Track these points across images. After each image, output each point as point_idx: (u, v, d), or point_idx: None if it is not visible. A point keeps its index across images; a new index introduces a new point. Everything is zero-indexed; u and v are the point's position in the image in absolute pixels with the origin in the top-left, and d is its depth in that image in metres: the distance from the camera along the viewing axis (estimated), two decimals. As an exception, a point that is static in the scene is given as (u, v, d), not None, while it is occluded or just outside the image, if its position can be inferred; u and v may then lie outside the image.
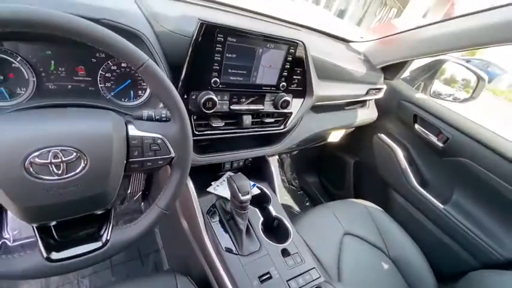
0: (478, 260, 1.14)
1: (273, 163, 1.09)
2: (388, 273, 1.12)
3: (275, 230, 0.95)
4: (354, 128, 1.52)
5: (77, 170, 0.44)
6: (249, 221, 0.89)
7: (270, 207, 0.96)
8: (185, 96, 0.72)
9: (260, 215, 0.92)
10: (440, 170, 1.31)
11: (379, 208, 1.35)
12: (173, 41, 0.69)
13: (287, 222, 0.94)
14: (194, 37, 0.66)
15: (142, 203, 1.46)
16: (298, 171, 2.00)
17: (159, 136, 0.53)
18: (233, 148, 0.93)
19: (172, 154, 0.55)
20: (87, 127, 0.46)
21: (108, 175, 0.46)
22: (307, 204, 1.92)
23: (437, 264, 1.19)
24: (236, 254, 0.78)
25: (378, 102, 1.47)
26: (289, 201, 1.87)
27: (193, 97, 0.74)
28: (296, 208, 1.85)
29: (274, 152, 1.02)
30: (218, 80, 0.74)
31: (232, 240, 0.82)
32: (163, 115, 0.59)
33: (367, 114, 1.38)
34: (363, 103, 1.39)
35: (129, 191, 1.39)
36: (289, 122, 0.97)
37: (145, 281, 0.80)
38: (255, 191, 0.99)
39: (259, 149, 0.98)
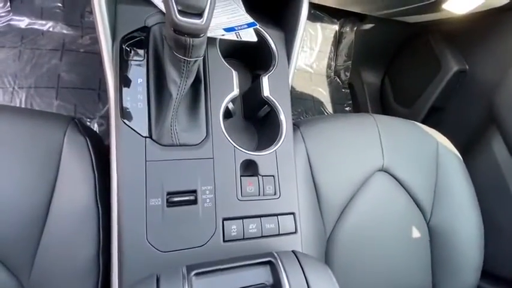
0: None
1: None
2: (412, 246, 0.71)
3: (257, 124, 0.51)
4: (507, 2, 0.75)
5: None
6: (205, 86, 0.43)
7: (264, 79, 0.47)
8: None
9: (236, 85, 0.46)
10: None
11: (456, 152, 0.80)
12: None
13: (283, 114, 0.47)
14: None
15: None
16: (356, 58, 1.33)
17: None
18: None
19: None
20: None
21: None
22: (346, 109, 1.39)
23: (502, 266, 0.76)
24: (144, 137, 0.38)
25: None
26: (323, 96, 1.34)
27: None
28: (328, 108, 1.34)
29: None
30: None
31: (149, 106, 0.39)
32: None
33: None
34: None
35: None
36: None
37: (38, 115, 0.48)
38: (247, 34, 0.47)
39: None
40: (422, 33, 1.09)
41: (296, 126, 0.62)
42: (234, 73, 0.45)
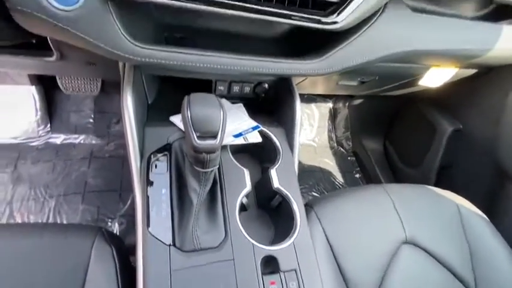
0: None
1: (299, 98, 0.60)
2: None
3: (271, 215, 0.54)
4: (475, 71, 0.85)
5: None
6: (221, 187, 0.48)
7: (273, 172, 0.52)
8: None
9: (248, 181, 0.50)
10: None
11: (480, 212, 0.77)
12: None
13: (296, 204, 0.50)
14: None
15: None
16: (354, 129, 1.43)
17: None
18: (223, 47, 0.48)
19: None
20: None
21: None
22: (356, 176, 1.41)
23: None
24: (168, 245, 0.40)
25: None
26: (330, 166, 1.38)
27: None
28: (338, 178, 1.36)
29: (306, 72, 0.52)
30: None
31: (173, 214, 0.43)
32: None
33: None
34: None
35: None
36: (350, 9, 0.44)
37: (66, 229, 0.52)
38: (252, 137, 0.55)
39: (276, 61, 0.50)
40: (410, 101, 1.19)
41: (309, 206, 0.63)
42: (245, 171, 0.51)
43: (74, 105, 1.13)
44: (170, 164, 0.47)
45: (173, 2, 0.38)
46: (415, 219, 0.69)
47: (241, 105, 0.62)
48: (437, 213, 0.73)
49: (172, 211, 0.43)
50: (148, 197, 0.44)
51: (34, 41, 0.50)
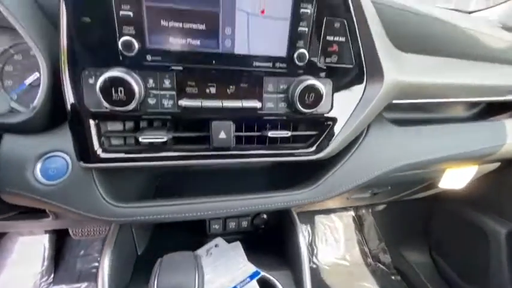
0: None
1: (303, 228, 0.53)
2: None
3: None
4: (499, 164, 0.77)
5: None
6: None
7: None
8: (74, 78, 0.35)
9: None
10: None
11: None
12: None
13: None
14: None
15: None
16: (389, 238, 1.23)
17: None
18: (216, 187, 0.47)
19: None
20: None
21: None
22: (409, 301, 1.10)
23: None
24: None
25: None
26: (374, 293, 1.11)
27: (90, 79, 0.35)
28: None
29: (300, 202, 0.48)
30: (136, 44, 0.34)
31: None
32: None
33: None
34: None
35: None
36: (330, 140, 0.44)
37: None
38: (250, 290, 0.44)
39: (268, 196, 0.47)
40: (442, 200, 1.05)
41: None
42: None
43: (83, 249, 1.10)
44: None
45: (159, 162, 0.39)
46: None
47: (238, 243, 0.55)
48: None
49: None
50: None
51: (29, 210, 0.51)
